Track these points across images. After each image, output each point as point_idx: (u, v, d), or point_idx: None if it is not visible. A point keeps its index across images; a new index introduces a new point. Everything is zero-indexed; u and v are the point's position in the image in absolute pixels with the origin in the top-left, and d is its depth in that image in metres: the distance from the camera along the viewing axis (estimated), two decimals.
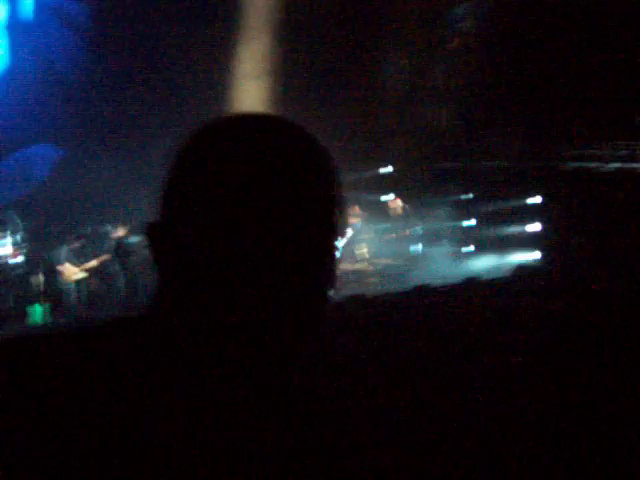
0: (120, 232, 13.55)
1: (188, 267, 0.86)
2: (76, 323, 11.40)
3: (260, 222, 0.83)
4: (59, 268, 12.87)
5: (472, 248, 17.67)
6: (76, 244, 13.15)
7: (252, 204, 0.83)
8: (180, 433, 0.87)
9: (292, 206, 0.83)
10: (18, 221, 13.83)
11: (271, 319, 0.85)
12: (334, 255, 0.89)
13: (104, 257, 13.27)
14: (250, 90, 19.88)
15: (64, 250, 12.99)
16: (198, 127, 0.91)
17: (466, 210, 17.88)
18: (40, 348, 0.86)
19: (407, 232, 17.31)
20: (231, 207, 0.83)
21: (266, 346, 0.86)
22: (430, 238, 17.66)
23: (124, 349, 0.88)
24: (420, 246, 17.44)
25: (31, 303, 12.90)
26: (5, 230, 13.35)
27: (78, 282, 12.99)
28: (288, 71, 19.03)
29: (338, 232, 0.89)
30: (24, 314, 12.77)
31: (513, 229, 16.48)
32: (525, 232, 16.52)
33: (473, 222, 17.84)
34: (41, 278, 13.11)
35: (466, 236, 17.88)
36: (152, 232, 0.91)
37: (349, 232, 17.62)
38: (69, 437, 0.81)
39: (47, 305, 12.99)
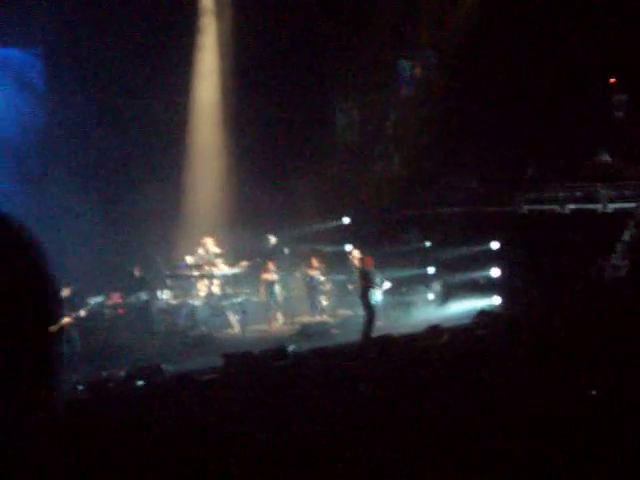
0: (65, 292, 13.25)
1: None
2: None
3: None
4: None
5: (432, 296, 17.60)
6: None
7: None
8: None
9: None
10: None
11: None
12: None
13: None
14: (208, 140, 19.99)
15: None
16: None
17: (425, 258, 17.84)
18: None
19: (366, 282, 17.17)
20: None
21: None
22: (390, 287, 17.56)
23: None
24: (380, 296, 17.31)
25: None
26: None
27: None
28: (242, 126, 19.09)
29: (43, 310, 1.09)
30: None
31: (472, 275, 16.45)
32: (484, 277, 16.50)
33: (432, 270, 17.80)
34: None
35: (426, 284, 17.81)
36: None
37: (309, 284, 17.37)
38: None
39: None
